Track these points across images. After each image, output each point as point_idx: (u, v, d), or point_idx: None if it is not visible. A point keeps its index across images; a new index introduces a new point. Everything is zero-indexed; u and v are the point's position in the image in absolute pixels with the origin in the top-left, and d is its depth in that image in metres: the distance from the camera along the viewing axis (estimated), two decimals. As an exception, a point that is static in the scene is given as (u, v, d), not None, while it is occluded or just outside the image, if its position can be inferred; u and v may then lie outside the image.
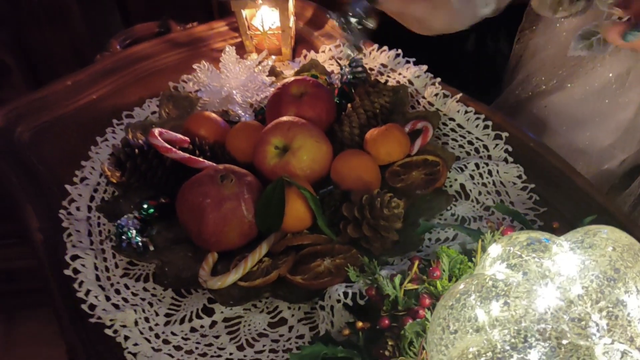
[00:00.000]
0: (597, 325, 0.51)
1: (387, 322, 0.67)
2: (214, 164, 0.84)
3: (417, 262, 0.70)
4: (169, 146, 0.86)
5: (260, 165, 0.86)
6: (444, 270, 0.69)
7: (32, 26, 1.29)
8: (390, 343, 0.65)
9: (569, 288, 0.54)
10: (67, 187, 0.90)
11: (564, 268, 0.55)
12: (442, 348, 0.55)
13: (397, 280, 0.68)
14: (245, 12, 1.09)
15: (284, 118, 0.88)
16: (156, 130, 0.87)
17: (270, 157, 0.85)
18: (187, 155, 0.86)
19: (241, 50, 1.11)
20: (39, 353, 1.72)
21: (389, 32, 1.16)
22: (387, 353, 0.64)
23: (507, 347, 0.51)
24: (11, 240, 1.63)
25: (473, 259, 0.70)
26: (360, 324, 0.67)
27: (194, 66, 1.06)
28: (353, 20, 0.97)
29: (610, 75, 1.10)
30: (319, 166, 0.86)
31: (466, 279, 0.57)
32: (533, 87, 1.18)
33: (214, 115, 0.94)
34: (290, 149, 0.85)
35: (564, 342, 0.50)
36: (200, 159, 0.86)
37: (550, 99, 1.15)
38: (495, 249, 0.59)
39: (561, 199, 0.86)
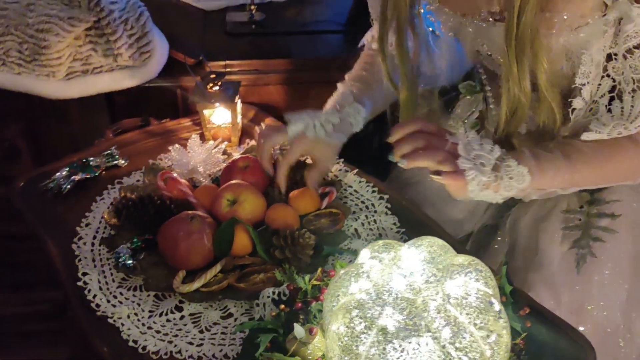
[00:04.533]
0: (420, 287, 0.78)
1: (300, 305, 0.91)
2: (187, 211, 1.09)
3: (320, 269, 0.97)
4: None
5: (217, 212, 1.10)
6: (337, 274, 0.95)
7: (41, 119, 1.51)
8: (301, 317, 0.90)
9: (406, 268, 0.81)
10: (77, 228, 1.12)
11: (404, 257, 0.82)
12: (331, 307, 0.81)
13: (307, 278, 0.94)
14: (206, 112, 1.32)
15: (234, 181, 1.13)
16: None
17: (224, 206, 1.10)
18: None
19: (202, 138, 1.33)
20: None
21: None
22: (299, 323, 0.89)
23: (367, 300, 0.77)
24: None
25: (357, 268, 0.96)
26: (282, 306, 0.91)
27: (169, 147, 1.29)
28: None
29: None
30: (257, 213, 1.10)
31: (346, 267, 0.84)
32: (406, 176, 1.38)
33: (183, 180, 1.20)
34: (238, 201, 1.09)
35: (401, 296, 0.77)
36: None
37: (420, 184, 1.35)
38: (365, 252, 0.85)
39: (422, 238, 1.14)
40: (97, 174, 1.26)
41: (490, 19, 1.03)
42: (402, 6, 1.07)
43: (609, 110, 0.99)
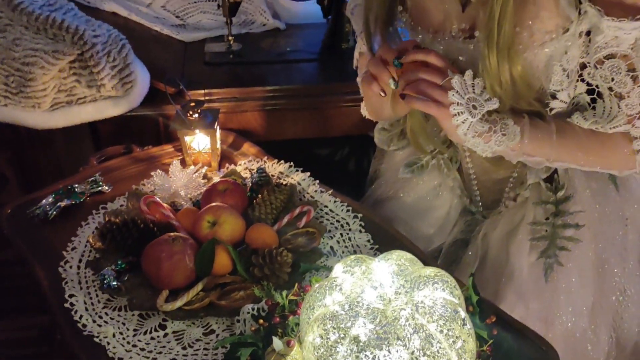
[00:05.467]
0: (390, 298, 0.81)
1: (278, 319, 0.93)
2: (169, 233, 1.11)
3: (297, 284, 0.99)
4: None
5: (198, 234, 1.12)
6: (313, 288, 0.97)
7: (28, 148, 1.53)
8: (280, 330, 0.92)
9: (377, 280, 0.83)
10: (64, 252, 1.13)
11: (375, 270, 0.85)
12: (307, 319, 0.83)
13: (284, 293, 0.96)
14: (187, 138, 1.35)
15: (214, 204, 1.16)
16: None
17: (204, 228, 1.12)
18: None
19: (183, 164, 1.35)
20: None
21: (291, 154, 1.43)
22: (278, 336, 0.91)
23: (341, 311, 0.79)
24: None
25: (333, 283, 0.99)
26: (261, 321, 0.93)
27: (151, 173, 1.30)
28: None
29: (428, 188, 1.35)
30: (237, 234, 1.12)
31: (320, 281, 0.87)
32: (378, 195, 1.42)
33: (165, 204, 1.22)
34: (218, 223, 1.11)
35: (372, 307, 0.79)
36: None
37: (392, 203, 1.38)
38: (338, 266, 0.88)
39: (395, 254, 1.16)
40: (82, 200, 1.27)
41: (460, 37, 1.07)
42: (381, 25, 1.12)
43: (593, 108, 1.04)
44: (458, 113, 0.96)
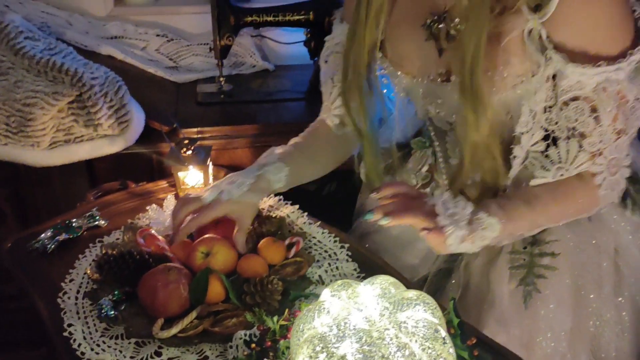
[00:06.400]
0: (375, 319, 0.84)
1: (269, 343, 0.96)
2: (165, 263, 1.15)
3: (287, 310, 1.02)
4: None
5: (192, 264, 1.15)
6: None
7: (26, 185, 1.56)
8: (271, 354, 0.95)
9: (362, 303, 0.87)
10: (62, 284, 1.16)
11: (360, 294, 0.89)
12: (296, 342, 0.87)
13: (275, 318, 1.00)
14: (180, 174, 1.38)
15: (207, 235, 1.20)
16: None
17: (198, 258, 1.15)
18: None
19: (177, 198, 1.38)
20: None
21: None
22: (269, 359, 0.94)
23: (329, 333, 0.83)
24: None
25: (321, 309, 1.02)
26: (253, 345, 0.97)
27: (147, 207, 1.34)
28: None
29: None
30: (229, 264, 1.16)
31: (309, 306, 0.90)
32: (365, 227, 1.45)
33: (160, 237, 1.26)
34: (211, 254, 1.15)
35: (358, 327, 0.83)
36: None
37: (378, 235, 1.42)
38: (325, 291, 0.92)
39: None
40: (79, 234, 1.30)
41: (438, 80, 1.13)
42: (361, 70, 1.17)
43: (547, 156, 1.09)
44: (450, 233, 1.01)
